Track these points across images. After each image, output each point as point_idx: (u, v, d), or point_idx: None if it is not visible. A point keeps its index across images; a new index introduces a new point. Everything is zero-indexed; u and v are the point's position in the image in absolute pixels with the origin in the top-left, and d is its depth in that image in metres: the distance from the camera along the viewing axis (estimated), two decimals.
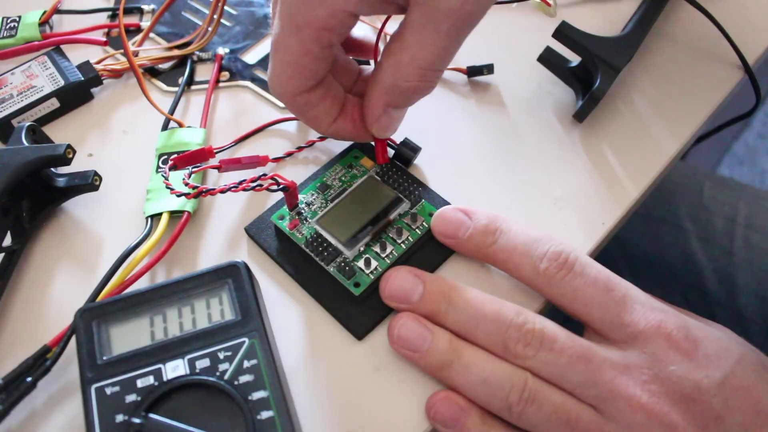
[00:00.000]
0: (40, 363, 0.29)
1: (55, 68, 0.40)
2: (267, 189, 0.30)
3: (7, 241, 0.34)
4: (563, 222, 0.35)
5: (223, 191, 0.30)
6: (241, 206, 0.36)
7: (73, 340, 0.29)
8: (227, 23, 0.45)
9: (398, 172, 0.35)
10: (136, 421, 0.25)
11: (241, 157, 0.31)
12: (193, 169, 0.31)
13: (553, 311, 0.32)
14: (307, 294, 0.32)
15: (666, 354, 0.28)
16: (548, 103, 0.40)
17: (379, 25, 0.34)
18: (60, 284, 0.34)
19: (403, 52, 0.27)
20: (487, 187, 0.36)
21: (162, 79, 0.42)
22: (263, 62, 0.43)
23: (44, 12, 0.44)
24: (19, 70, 0.40)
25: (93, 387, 0.26)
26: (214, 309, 0.28)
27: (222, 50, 0.43)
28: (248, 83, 0.41)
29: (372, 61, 0.35)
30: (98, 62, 0.41)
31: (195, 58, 0.43)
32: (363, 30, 0.34)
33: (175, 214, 0.34)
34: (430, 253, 0.33)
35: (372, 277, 0.31)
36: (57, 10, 0.44)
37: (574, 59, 0.39)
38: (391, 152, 0.36)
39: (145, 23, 0.45)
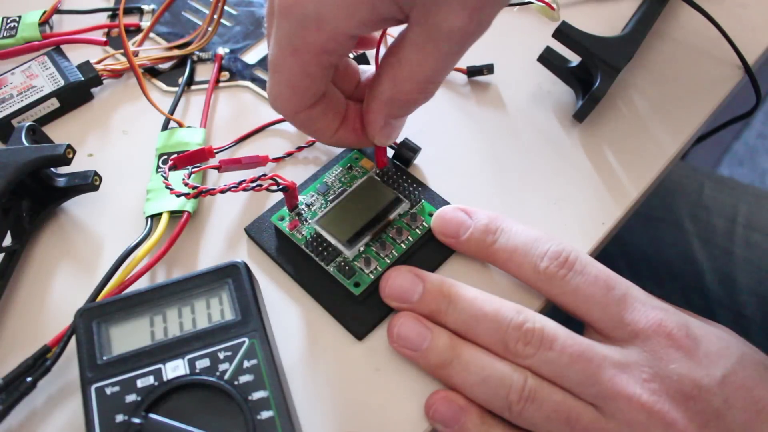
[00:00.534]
0: (40, 363, 0.29)
1: (55, 68, 0.40)
2: (267, 189, 0.30)
3: (7, 241, 0.34)
4: (563, 222, 0.35)
5: (223, 191, 0.30)
6: (241, 206, 0.36)
7: (73, 340, 0.29)
8: (227, 23, 0.45)
9: (398, 173, 0.35)
10: (136, 421, 0.25)
11: (241, 157, 0.31)
12: (193, 169, 0.31)
13: (554, 311, 0.32)
14: (307, 294, 0.32)
15: (666, 352, 0.28)
16: (548, 103, 0.40)
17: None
18: (60, 284, 0.34)
19: (402, 68, 0.27)
20: (487, 187, 0.36)
21: (162, 79, 0.42)
22: (263, 62, 0.43)
23: (44, 12, 0.44)
24: (19, 70, 0.40)
25: (93, 387, 0.26)
26: (214, 309, 0.28)
27: (222, 50, 0.43)
28: (248, 83, 0.41)
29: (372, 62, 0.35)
30: (98, 62, 0.41)
31: (195, 58, 0.43)
32: None
33: (175, 214, 0.34)
34: (430, 252, 0.33)
35: (372, 276, 0.31)
36: (57, 10, 0.44)
37: (574, 59, 0.39)
38: (390, 152, 0.36)
39: (145, 23, 0.45)
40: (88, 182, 0.35)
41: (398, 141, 0.36)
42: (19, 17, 0.44)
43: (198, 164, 0.32)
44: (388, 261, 0.32)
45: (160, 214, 0.34)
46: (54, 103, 0.40)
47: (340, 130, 0.31)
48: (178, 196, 0.30)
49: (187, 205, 0.34)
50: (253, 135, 0.39)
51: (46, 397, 0.30)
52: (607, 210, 0.35)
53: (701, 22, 0.40)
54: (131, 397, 0.26)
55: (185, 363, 0.26)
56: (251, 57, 0.43)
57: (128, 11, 0.46)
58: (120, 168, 0.38)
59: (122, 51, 0.42)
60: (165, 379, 0.26)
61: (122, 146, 0.39)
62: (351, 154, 0.36)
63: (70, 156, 0.34)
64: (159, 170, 0.37)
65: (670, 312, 0.30)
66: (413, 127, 0.36)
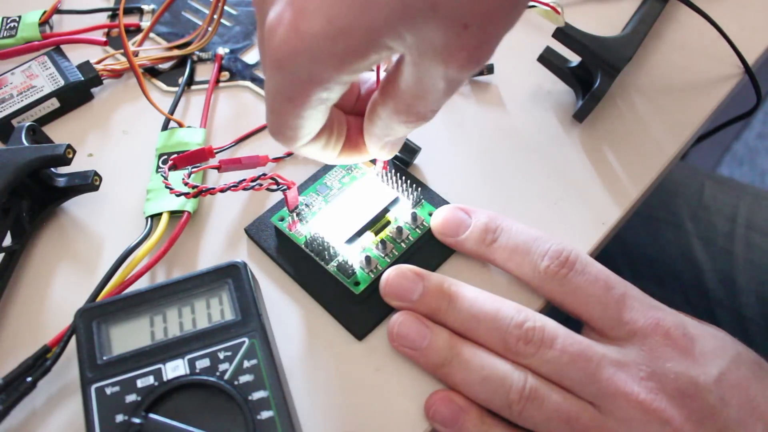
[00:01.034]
0: (40, 363, 0.29)
1: (55, 68, 0.40)
2: (267, 189, 0.30)
3: (7, 241, 0.34)
4: (563, 222, 0.35)
5: (222, 190, 0.30)
6: (241, 206, 0.36)
7: (73, 340, 0.29)
8: (227, 23, 0.45)
9: (398, 172, 0.35)
10: (136, 421, 0.25)
11: (241, 157, 0.31)
12: (193, 169, 0.31)
13: (553, 311, 0.32)
14: (307, 294, 0.32)
15: (663, 351, 0.28)
16: (548, 103, 0.40)
17: None
18: (60, 284, 0.34)
19: (399, 101, 0.25)
20: (487, 187, 0.36)
21: (162, 79, 0.42)
22: None
23: (44, 12, 0.44)
24: (19, 70, 0.40)
25: (93, 387, 0.26)
26: (214, 309, 0.28)
27: (222, 50, 0.43)
28: (248, 83, 0.41)
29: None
30: (98, 62, 0.41)
31: (195, 58, 0.43)
32: None
33: (175, 214, 0.34)
34: (430, 252, 0.33)
35: (372, 276, 0.31)
36: (57, 10, 0.44)
37: (574, 59, 0.38)
38: None
39: (145, 23, 0.45)
40: (88, 182, 0.35)
41: None
42: (19, 17, 0.44)
43: (198, 164, 0.32)
44: (388, 260, 0.32)
45: (160, 214, 0.34)
46: (54, 103, 0.40)
47: (344, 150, 0.30)
48: (178, 195, 0.30)
49: (187, 205, 0.34)
50: (253, 135, 0.39)
51: (46, 397, 0.30)
52: (607, 210, 0.35)
53: (701, 22, 0.40)
54: (131, 397, 0.26)
55: (185, 363, 0.26)
56: (251, 57, 0.43)
57: (128, 11, 0.46)
58: (120, 168, 0.38)
59: (122, 51, 0.42)
60: (165, 379, 0.26)
61: (122, 146, 0.39)
62: None
63: (70, 156, 0.34)
64: (159, 170, 0.37)
65: (667, 312, 0.30)
66: None
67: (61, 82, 0.40)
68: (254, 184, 0.30)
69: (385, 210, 0.33)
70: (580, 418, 0.28)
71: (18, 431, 0.29)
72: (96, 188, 0.35)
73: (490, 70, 0.40)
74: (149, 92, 0.38)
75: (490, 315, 0.29)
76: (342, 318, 0.32)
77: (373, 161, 0.35)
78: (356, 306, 0.31)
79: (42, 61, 0.41)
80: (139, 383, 0.26)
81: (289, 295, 0.33)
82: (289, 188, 0.31)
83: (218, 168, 0.30)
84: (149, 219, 0.34)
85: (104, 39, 0.42)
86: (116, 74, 0.42)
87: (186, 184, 0.30)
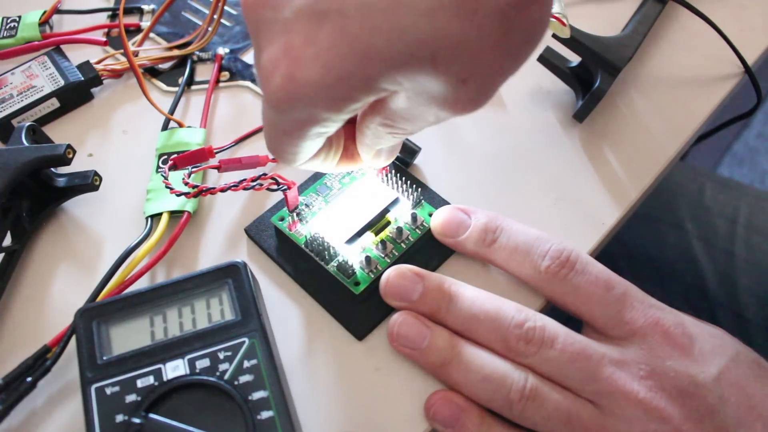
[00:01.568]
0: (40, 363, 0.29)
1: (55, 68, 0.40)
2: (267, 189, 0.30)
3: (7, 241, 0.34)
4: (563, 222, 0.35)
5: (223, 190, 0.30)
6: (241, 206, 0.36)
7: (73, 340, 0.29)
8: (227, 23, 0.45)
9: (398, 173, 0.35)
10: (136, 421, 0.25)
11: (241, 157, 0.31)
12: (193, 169, 0.31)
13: (553, 311, 0.32)
14: (307, 294, 0.32)
15: (663, 350, 0.29)
16: (548, 103, 0.40)
17: None
18: (60, 284, 0.34)
19: (387, 118, 0.24)
20: (487, 187, 0.36)
21: (162, 79, 0.42)
22: None
23: (44, 12, 0.44)
24: (19, 70, 0.40)
25: (93, 387, 0.26)
26: (214, 309, 0.28)
27: (222, 50, 0.43)
28: (248, 83, 0.41)
29: None
30: (98, 62, 0.41)
31: (195, 58, 0.43)
32: None
33: (175, 214, 0.34)
34: (430, 252, 0.33)
35: (372, 276, 0.31)
36: (57, 10, 0.44)
37: (574, 59, 0.39)
38: None
39: (145, 23, 0.45)
40: (88, 182, 0.35)
41: None
42: (19, 17, 0.44)
43: (198, 164, 0.32)
44: (388, 261, 0.32)
45: (160, 214, 0.34)
46: (54, 103, 0.40)
47: (341, 160, 0.30)
48: (178, 195, 0.30)
49: (187, 205, 0.34)
50: (253, 135, 0.39)
51: (46, 397, 0.30)
52: (607, 210, 0.35)
53: (701, 23, 0.40)
54: (131, 397, 0.26)
55: (185, 363, 0.26)
56: (251, 57, 0.43)
57: (128, 11, 0.46)
58: (120, 168, 0.38)
59: (122, 51, 0.42)
60: (165, 379, 0.26)
61: (122, 146, 0.39)
62: None
63: (70, 156, 0.34)
64: (159, 170, 0.37)
65: (667, 311, 0.30)
66: None
67: (61, 82, 0.40)
68: (254, 184, 0.30)
69: (385, 210, 0.33)
70: (580, 417, 0.28)
71: (18, 431, 0.29)
72: (96, 188, 0.35)
73: None
74: (149, 92, 0.38)
75: (491, 315, 0.29)
76: (342, 318, 0.32)
77: None
78: (356, 306, 0.31)
79: (42, 61, 0.41)
80: (139, 383, 0.26)
81: (289, 295, 0.33)
82: (289, 188, 0.31)
83: (218, 168, 0.30)
84: (149, 219, 0.34)
85: (104, 39, 0.42)
86: (116, 74, 0.42)
87: (186, 184, 0.30)
